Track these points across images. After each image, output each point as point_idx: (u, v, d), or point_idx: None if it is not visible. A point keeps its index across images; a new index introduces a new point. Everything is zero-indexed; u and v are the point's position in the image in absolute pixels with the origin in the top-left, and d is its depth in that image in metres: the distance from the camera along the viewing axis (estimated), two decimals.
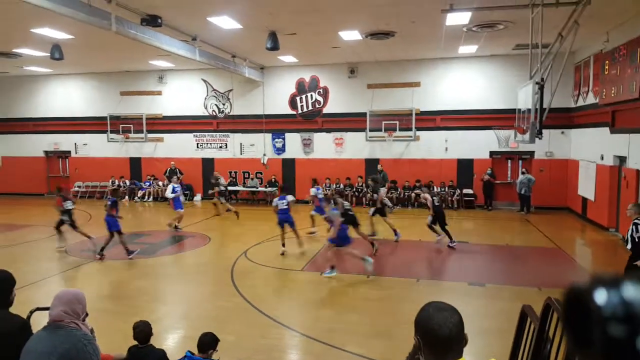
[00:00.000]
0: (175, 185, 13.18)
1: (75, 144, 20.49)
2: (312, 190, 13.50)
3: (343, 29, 12.11)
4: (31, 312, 3.67)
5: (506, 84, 15.56)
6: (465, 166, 16.77)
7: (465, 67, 16.45)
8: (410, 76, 16.86)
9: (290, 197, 10.79)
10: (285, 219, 10.56)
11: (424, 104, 16.76)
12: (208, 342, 4.13)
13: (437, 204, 11.04)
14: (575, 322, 0.60)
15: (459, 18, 10.87)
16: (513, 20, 10.98)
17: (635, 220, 6.53)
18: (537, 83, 8.96)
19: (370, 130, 16.95)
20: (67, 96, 20.36)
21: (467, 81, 16.49)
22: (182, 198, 13.57)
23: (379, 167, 16.43)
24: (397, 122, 16.70)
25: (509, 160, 16.85)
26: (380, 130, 16.83)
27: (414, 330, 1.76)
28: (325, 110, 17.83)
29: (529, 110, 9.23)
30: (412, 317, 1.77)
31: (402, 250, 11.14)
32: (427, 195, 11.19)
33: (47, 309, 2.92)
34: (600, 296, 0.57)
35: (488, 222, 14.68)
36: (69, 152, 20.63)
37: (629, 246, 6.58)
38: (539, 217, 14.80)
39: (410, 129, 16.64)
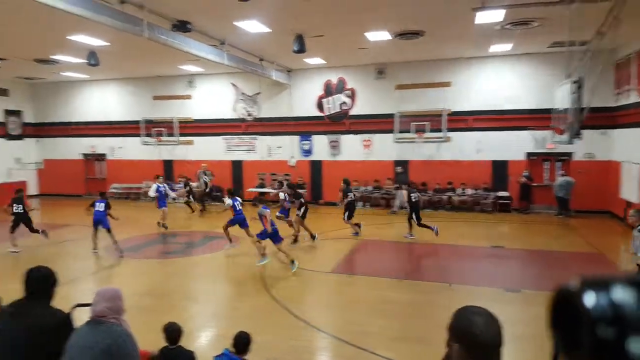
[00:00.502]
0: (160, 185, 13.67)
1: (111, 147, 21.07)
2: (281, 195, 13.28)
3: (370, 29, 11.97)
4: (73, 308, 3.74)
5: (541, 82, 15.04)
6: (499, 168, 16.29)
7: (499, 66, 16.01)
8: (441, 76, 16.53)
9: (227, 201, 11.19)
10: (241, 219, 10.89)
11: (455, 105, 16.39)
12: (244, 342, 4.16)
13: (414, 200, 11.94)
14: (564, 324, 0.59)
15: (491, 16, 10.56)
16: (548, 17, 10.58)
17: None
18: (574, 82, 8.60)
19: (399, 132, 16.69)
20: (103, 101, 20.98)
21: (500, 80, 16.03)
22: (173, 195, 14.35)
23: (399, 169, 16.26)
24: (427, 123, 16.38)
25: (546, 162, 16.26)
26: (410, 131, 16.55)
27: (448, 337, 1.68)
28: (352, 112, 17.70)
29: (566, 110, 8.87)
30: (444, 322, 1.69)
31: (434, 254, 10.92)
32: (404, 192, 12.25)
33: (88, 305, 3.03)
34: (589, 298, 0.57)
35: (524, 226, 14.22)
36: (106, 154, 21.24)
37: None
38: (578, 221, 14.23)
39: (441, 130, 16.31)
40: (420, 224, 11.79)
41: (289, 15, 10.46)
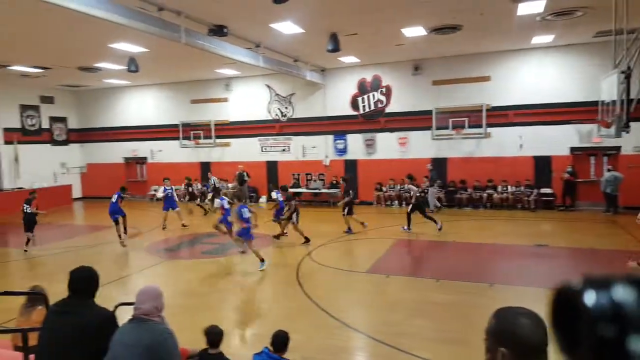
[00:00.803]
0: (167, 187, 14.34)
1: (152, 150, 21.66)
2: (273, 194, 13.57)
3: (406, 25, 11.79)
4: (116, 307, 3.96)
5: (586, 74, 14.40)
6: (542, 164, 15.72)
7: (540, 58, 15.45)
8: (479, 70, 16.11)
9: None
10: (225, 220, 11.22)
11: (495, 99, 15.94)
12: (283, 340, 4.17)
13: (418, 194, 12.64)
14: (564, 323, 0.59)
15: (531, 7, 10.21)
16: (593, 5, 10.13)
17: None
18: (622, 72, 8.16)
19: (436, 129, 16.38)
20: (143, 106, 21.60)
21: (542, 73, 15.47)
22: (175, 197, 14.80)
23: (429, 166, 15.99)
24: (466, 119, 16.00)
25: (592, 157, 15.59)
26: (448, 128, 16.21)
27: (490, 341, 1.58)
28: (388, 110, 17.50)
29: (614, 102, 8.43)
30: (485, 323, 1.60)
31: (473, 253, 10.65)
32: (413, 187, 12.77)
33: (130, 304, 3.14)
34: (590, 297, 0.57)
35: (569, 223, 13.67)
36: (146, 158, 21.86)
37: None
38: (628, 218, 13.52)
39: (481, 126, 15.88)
40: (426, 216, 12.43)
41: (324, 15, 10.44)
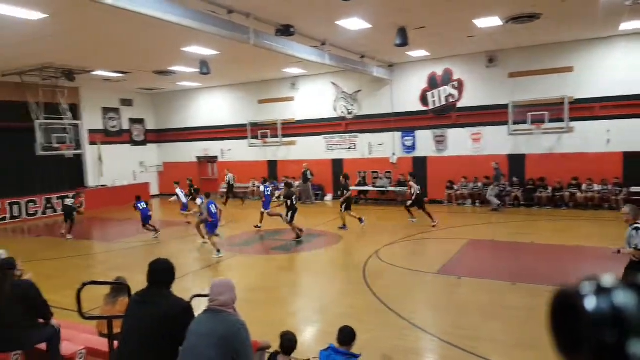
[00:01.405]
0: (180, 190, 15.40)
1: (222, 149, 22.38)
2: (261, 187, 14.28)
3: (479, 16, 11.20)
4: (191, 298, 4.13)
5: None
6: (633, 160, 14.31)
7: (630, 46, 14.08)
8: (561, 61, 15.00)
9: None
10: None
11: (579, 91, 14.76)
12: (350, 336, 4.14)
13: (419, 192, 13.31)
14: (564, 326, 0.59)
15: None
16: None
17: (637, 225, 5.92)
18: None
19: (513, 123, 15.45)
20: (213, 107, 22.35)
21: (632, 61, 14.08)
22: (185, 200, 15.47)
23: (494, 164, 15.12)
24: (546, 113, 14.94)
25: None
26: (526, 122, 15.22)
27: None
28: (459, 104, 16.79)
29: None
30: None
31: (552, 256, 9.91)
32: (413, 184, 13.43)
33: (205, 295, 3.30)
34: (590, 301, 0.57)
35: None
36: (217, 157, 22.63)
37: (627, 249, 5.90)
38: None
39: (562, 120, 14.78)
40: (425, 212, 13.07)
41: (392, 9, 10.15)
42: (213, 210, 10.90)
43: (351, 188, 13.77)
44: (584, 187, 14.82)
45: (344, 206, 13.18)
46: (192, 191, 16.77)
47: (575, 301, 0.58)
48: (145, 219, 13.09)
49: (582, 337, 0.56)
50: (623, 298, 0.56)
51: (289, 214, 11.99)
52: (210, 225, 10.91)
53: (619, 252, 6.15)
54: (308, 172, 19.00)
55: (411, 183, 13.66)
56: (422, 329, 6.24)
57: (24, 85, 16.00)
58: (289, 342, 4.15)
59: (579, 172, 14.85)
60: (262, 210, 13.30)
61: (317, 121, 19.64)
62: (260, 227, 13.51)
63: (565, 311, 0.59)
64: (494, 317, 6.60)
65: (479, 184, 16.37)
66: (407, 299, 7.65)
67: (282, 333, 4.24)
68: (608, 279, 0.59)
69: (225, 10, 9.30)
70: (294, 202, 12.16)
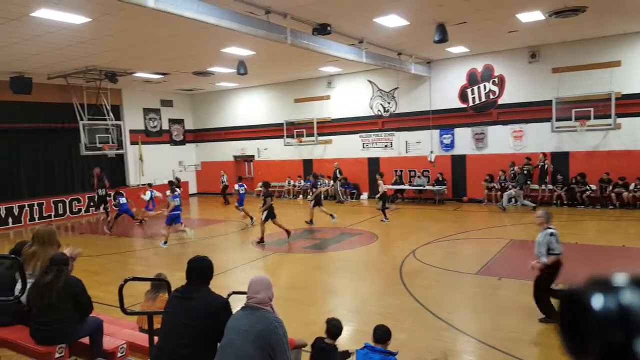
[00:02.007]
0: (153, 191, 15.72)
1: (258, 148, 22.63)
2: (236, 186, 15.54)
3: (521, 10, 10.86)
4: (229, 295, 4.20)
5: None
6: None
7: None
8: (607, 55, 14.34)
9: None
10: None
11: (627, 86, 14.08)
12: (385, 334, 4.19)
13: (385, 190, 14.13)
14: (572, 326, 0.59)
15: None
16: None
17: (551, 230, 6.07)
18: None
19: (556, 120, 14.90)
20: (250, 106, 22.62)
21: None
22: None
23: (521, 167, 14.70)
24: (592, 109, 14.33)
25: None
26: (570, 119, 14.64)
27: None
28: (500, 101, 16.33)
29: None
30: None
31: (600, 257, 9.49)
32: (382, 183, 13.99)
33: (243, 293, 3.33)
34: (597, 300, 0.57)
35: None
36: (253, 156, 22.90)
37: (544, 259, 6.04)
38: None
39: (609, 116, 14.13)
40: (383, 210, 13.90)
41: (431, 5, 9.98)
42: (177, 204, 11.97)
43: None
44: (631, 186, 14.12)
45: (312, 203, 13.76)
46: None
47: (583, 300, 0.58)
48: (124, 213, 14.27)
49: (590, 336, 0.56)
50: (630, 297, 0.56)
51: (264, 213, 11.88)
52: (170, 217, 11.95)
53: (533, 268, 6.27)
54: (337, 171, 18.97)
55: (380, 182, 13.99)
56: (460, 330, 6.12)
57: (69, 87, 16.65)
58: (334, 327, 4.27)
59: (627, 171, 14.17)
60: (236, 206, 14.94)
61: (353, 119, 19.55)
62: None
63: (572, 310, 0.59)
64: (535, 320, 6.38)
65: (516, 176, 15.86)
66: (445, 299, 7.50)
67: (328, 319, 4.38)
68: (615, 278, 0.59)
69: (263, 10, 9.38)
70: (271, 202, 12.05)
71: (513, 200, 15.38)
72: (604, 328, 0.55)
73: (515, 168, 15.49)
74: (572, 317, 0.59)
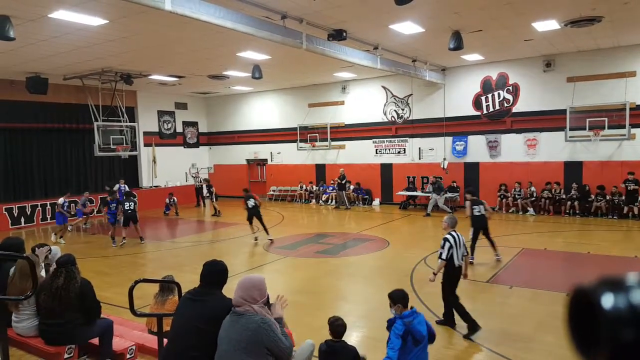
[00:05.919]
0: (66, 201, 14.61)
1: (271, 152, 22.74)
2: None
3: (537, 19, 10.84)
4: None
5: None
6: None
7: None
8: (622, 65, 14.23)
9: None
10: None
11: None
12: (402, 295, 4.48)
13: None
14: (581, 326, 0.58)
15: None
16: None
17: (446, 235, 6.41)
18: None
19: (570, 129, 14.79)
20: (264, 110, 22.76)
21: None
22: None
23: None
24: (606, 119, 14.20)
25: None
26: (584, 128, 14.52)
27: None
28: (515, 109, 16.25)
29: None
30: None
31: (614, 267, 9.37)
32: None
33: None
34: (607, 300, 0.56)
35: None
36: (266, 160, 23.02)
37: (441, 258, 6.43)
38: None
39: (624, 126, 13.99)
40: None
41: (447, 13, 10.01)
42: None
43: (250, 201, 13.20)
44: None
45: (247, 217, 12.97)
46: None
47: (593, 299, 0.57)
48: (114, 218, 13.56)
49: (600, 336, 0.55)
50: None
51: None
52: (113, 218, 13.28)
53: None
54: (342, 177, 18.87)
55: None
56: (471, 339, 6.11)
57: (84, 88, 16.87)
58: (336, 326, 4.26)
59: None
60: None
61: (367, 125, 19.58)
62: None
63: (582, 310, 0.59)
64: (550, 330, 6.33)
65: (532, 189, 15.72)
66: None
67: (329, 320, 4.32)
68: (625, 278, 0.59)
69: (279, 15, 9.47)
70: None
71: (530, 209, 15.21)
72: (614, 327, 0.54)
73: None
74: (582, 317, 0.58)
